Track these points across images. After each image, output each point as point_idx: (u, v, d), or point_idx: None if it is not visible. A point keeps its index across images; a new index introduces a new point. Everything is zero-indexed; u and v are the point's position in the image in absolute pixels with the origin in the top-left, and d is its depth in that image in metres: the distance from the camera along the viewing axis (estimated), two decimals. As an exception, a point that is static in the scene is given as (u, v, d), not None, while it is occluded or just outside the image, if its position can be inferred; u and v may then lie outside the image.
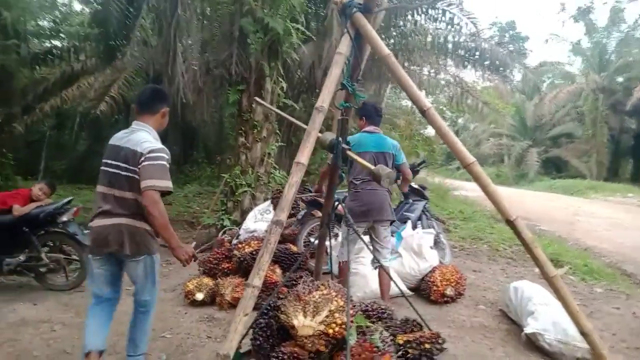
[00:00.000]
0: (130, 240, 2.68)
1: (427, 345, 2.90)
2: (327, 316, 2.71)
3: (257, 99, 4.04)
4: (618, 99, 24.60)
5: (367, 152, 4.02)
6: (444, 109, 18.33)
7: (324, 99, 2.62)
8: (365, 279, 4.51)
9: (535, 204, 15.25)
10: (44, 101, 11.33)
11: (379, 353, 2.70)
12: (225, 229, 6.42)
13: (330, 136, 2.98)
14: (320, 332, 2.69)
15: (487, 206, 13.07)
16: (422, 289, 4.77)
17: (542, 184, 24.82)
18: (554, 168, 29.82)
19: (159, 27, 6.92)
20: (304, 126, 3.48)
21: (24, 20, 10.57)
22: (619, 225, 11.14)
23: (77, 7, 14.81)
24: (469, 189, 17.66)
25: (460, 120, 32.30)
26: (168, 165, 2.67)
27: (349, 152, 2.89)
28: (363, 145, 4.08)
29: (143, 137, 2.69)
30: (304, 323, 2.68)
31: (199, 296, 4.44)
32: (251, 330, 2.89)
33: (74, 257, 4.98)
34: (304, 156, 2.54)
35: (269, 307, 2.98)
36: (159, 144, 2.71)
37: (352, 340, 2.70)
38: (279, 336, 2.92)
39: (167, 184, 2.62)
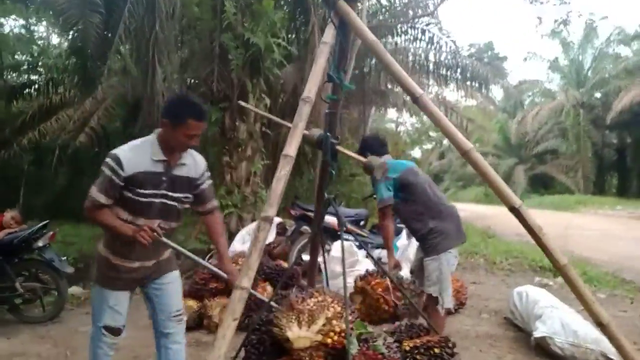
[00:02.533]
0: None
1: (436, 350, 2.67)
2: (324, 324, 2.45)
3: (242, 102, 3.91)
4: (598, 114, 25.12)
5: None
6: (429, 128, 18.50)
7: (310, 89, 2.47)
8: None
9: (525, 220, 15.21)
10: (22, 135, 11.05)
11: None
12: (212, 252, 6.13)
13: (317, 132, 2.83)
14: (318, 343, 2.45)
15: (478, 224, 12.99)
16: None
17: (531, 201, 24.88)
18: (542, 185, 30.06)
19: (137, 47, 6.80)
20: (288, 124, 3.33)
21: (0, 54, 10.41)
22: (612, 236, 11.13)
23: (55, 40, 14.74)
24: (459, 209, 17.65)
25: (444, 141, 32.64)
26: (107, 172, 2.25)
27: (339, 148, 2.73)
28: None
29: None
30: (299, 334, 2.40)
31: (181, 319, 4.14)
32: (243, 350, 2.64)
33: (51, 286, 4.66)
34: (291, 149, 2.36)
35: (260, 322, 2.74)
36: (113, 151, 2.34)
37: (354, 349, 2.44)
38: (274, 352, 2.67)
39: (93, 193, 2.28)
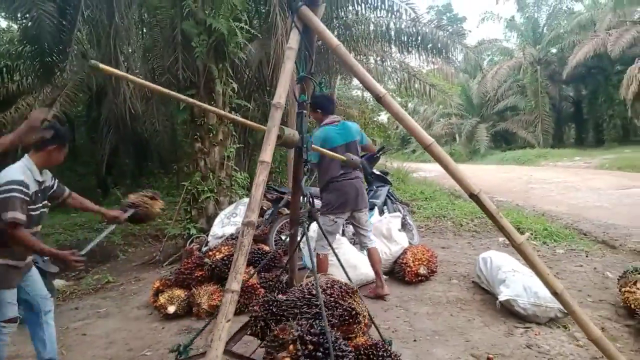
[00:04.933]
0: None
1: None
2: None
3: (200, 103, 3.92)
4: (554, 70, 25.91)
5: (338, 147, 4.11)
6: (394, 94, 18.66)
7: (281, 95, 2.59)
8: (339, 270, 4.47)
9: (490, 177, 15.80)
10: (-19, 127, 10.71)
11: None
12: (193, 237, 6.28)
13: (292, 131, 2.95)
14: None
15: (445, 185, 13.46)
16: (396, 272, 4.85)
17: (494, 157, 25.80)
18: (504, 141, 31.10)
19: (96, 38, 6.64)
20: (248, 123, 3.48)
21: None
22: (570, 187, 11.70)
23: (3, 24, 14.00)
24: (426, 170, 18.12)
25: (410, 105, 32.96)
26: (18, 195, 2.69)
27: (315, 147, 2.90)
28: (332, 141, 4.16)
29: (6, 170, 2.80)
30: None
31: (171, 309, 4.31)
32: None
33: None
34: (267, 154, 2.50)
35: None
36: (10, 177, 2.73)
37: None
38: None
39: (11, 216, 2.66)
